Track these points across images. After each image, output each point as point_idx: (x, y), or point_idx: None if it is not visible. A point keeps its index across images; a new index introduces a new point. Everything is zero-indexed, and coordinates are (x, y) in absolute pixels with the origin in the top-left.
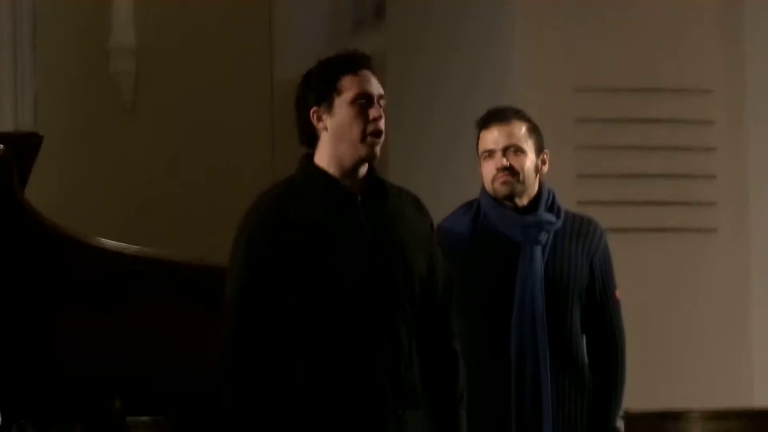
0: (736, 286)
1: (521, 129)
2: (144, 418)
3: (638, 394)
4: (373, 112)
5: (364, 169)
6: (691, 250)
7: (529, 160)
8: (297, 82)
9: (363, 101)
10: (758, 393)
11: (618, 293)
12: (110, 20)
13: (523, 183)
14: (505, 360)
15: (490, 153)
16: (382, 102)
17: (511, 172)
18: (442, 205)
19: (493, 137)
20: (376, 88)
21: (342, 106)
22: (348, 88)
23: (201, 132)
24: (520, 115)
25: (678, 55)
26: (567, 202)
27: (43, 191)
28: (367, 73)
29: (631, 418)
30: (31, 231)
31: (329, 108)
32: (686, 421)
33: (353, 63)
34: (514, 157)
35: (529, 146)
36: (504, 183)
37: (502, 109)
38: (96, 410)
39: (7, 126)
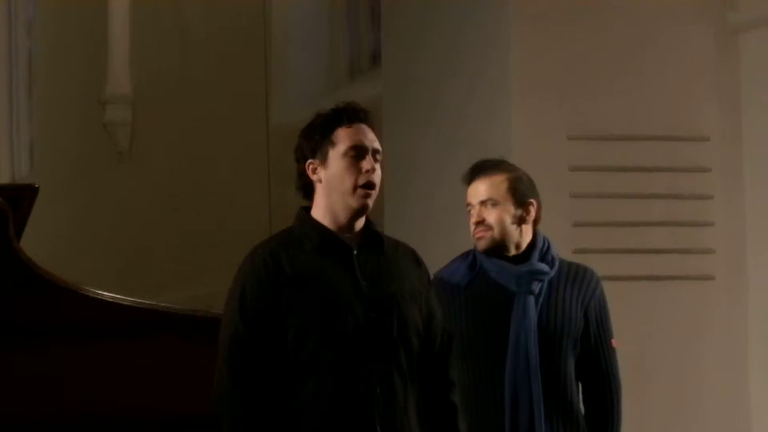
0: (734, 334)
1: (500, 182)
2: None
3: None
4: (365, 164)
5: (360, 222)
6: (688, 297)
7: (507, 212)
8: (293, 128)
9: (355, 153)
10: None
11: (614, 342)
12: (106, 70)
13: (500, 236)
14: (499, 408)
15: (470, 207)
16: (378, 156)
17: (487, 226)
18: (435, 250)
19: (472, 191)
20: (370, 141)
21: (336, 158)
22: (342, 141)
23: (197, 178)
24: (501, 167)
25: (674, 103)
26: (562, 250)
27: (40, 239)
28: (362, 126)
29: None
30: (26, 281)
31: (324, 160)
32: None
33: (348, 116)
34: (490, 210)
35: (507, 198)
36: (479, 238)
37: (482, 162)
38: None
39: (4, 174)
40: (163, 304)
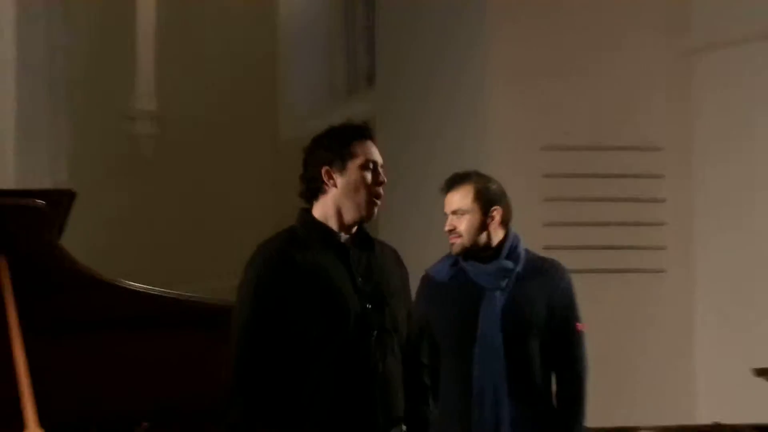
0: (683, 321)
1: (467, 193)
2: None
3: (597, 414)
4: (379, 178)
5: (357, 225)
6: (642, 288)
7: (474, 219)
8: (298, 141)
9: (372, 167)
10: (699, 413)
11: (580, 326)
12: (134, 89)
13: (469, 242)
14: (469, 388)
15: (447, 216)
16: (382, 170)
17: (457, 233)
18: (427, 254)
19: (446, 202)
20: (378, 156)
21: (354, 168)
22: (360, 154)
23: (213, 185)
24: (469, 180)
25: (632, 118)
26: (534, 247)
27: (77, 238)
28: (372, 143)
29: None
30: (65, 273)
31: (342, 168)
32: None
33: (363, 132)
34: (460, 219)
35: (473, 208)
36: (452, 244)
37: (454, 176)
38: (125, 429)
39: (45, 181)
40: (186, 294)
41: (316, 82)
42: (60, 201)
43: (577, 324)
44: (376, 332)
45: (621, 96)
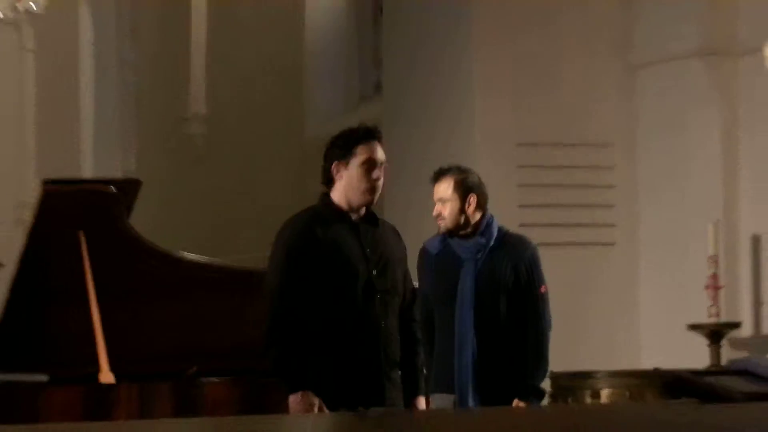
0: (629, 284)
1: (448, 184)
2: (213, 379)
3: (560, 362)
4: (375, 173)
5: (364, 207)
6: (598, 257)
7: (454, 206)
8: (320, 139)
9: (368, 165)
10: (643, 360)
11: (543, 288)
12: (188, 96)
13: (451, 224)
14: (452, 333)
15: (435, 202)
16: (383, 165)
17: (442, 217)
18: (424, 231)
19: (434, 191)
20: (380, 155)
21: (355, 165)
22: (361, 154)
23: (251, 175)
24: (450, 172)
25: (589, 120)
26: (511, 225)
27: (143, 218)
28: (376, 143)
29: (555, 376)
30: (134, 247)
31: (346, 164)
32: (594, 378)
33: (367, 135)
34: (444, 205)
35: (454, 197)
36: (438, 225)
37: (439, 170)
38: (178, 374)
39: (116, 172)
40: (227, 263)
41: (335, 90)
42: (129, 188)
43: (541, 286)
44: (379, 295)
45: (580, 102)
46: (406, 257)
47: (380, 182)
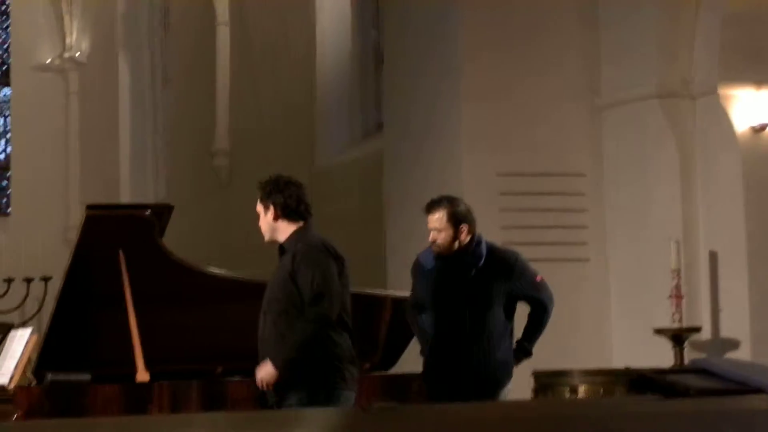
0: (602, 295)
1: (442, 216)
2: (235, 378)
3: (542, 361)
4: None
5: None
6: (572, 272)
7: (447, 235)
8: (328, 170)
9: None
10: (615, 361)
11: (539, 277)
12: (214, 132)
13: (444, 249)
14: (451, 334)
15: (430, 230)
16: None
17: (436, 244)
18: (423, 247)
19: (429, 220)
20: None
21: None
22: None
23: None
24: (444, 204)
25: (563, 154)
26: (496, 241)
27: (174, 238)
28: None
29: (538, 375)
30: (167, 263)
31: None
32: (571, 376)
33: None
34: (438, 234)
35: (446, 226)
36: (434, 250)
37: (432, 201)
38: (205, 373)
39: (149, 198)
40: (246, 276)
41: (341, 127)
42: (162, 212)
43: (536, 277)
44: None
45: (554, 138)
46: (291, 267)
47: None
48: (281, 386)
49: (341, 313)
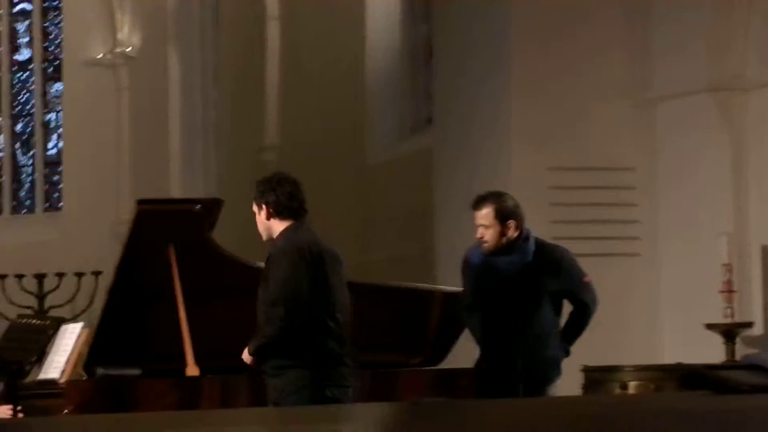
0: (653, 289)
1: (489, 212)
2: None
3: (593, 357)
4: None
5: None
6: (624, 266)
7: (495, 231)
8: (379, 166)
9: None
10: (665, 357)
11: (586, 278)
12: (264, 127)
13: (492, 246)
14: (500, 332)
15: (477, 226)
16: None
17: (484, 240)
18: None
19: (475, 217)
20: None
21: None
22: None
23: (317, 198)
24: (491, 200)
25: (614, 147)
26: (545, 236)
27: (224, 233)
28: None
29: (588, 370)
30: (216, 257)
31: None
32: (622, 372)
33: None
34: (485, 230)
35: (494, 222)
36: (481, 246)
37: (477, 198)
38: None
39: (199, 193)
40: None
41: (392, 122)
42: (212, 206)
43: (584, 277)
44: None
45: (605, 132)
46: (266, 268)
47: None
48: (275, 391)
49: (324, 315)
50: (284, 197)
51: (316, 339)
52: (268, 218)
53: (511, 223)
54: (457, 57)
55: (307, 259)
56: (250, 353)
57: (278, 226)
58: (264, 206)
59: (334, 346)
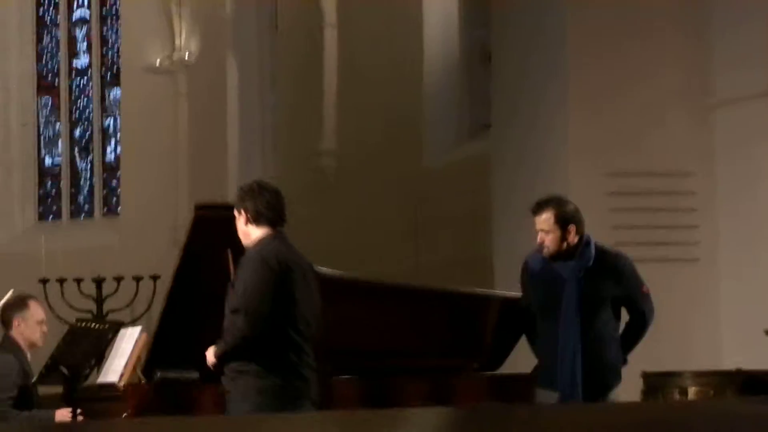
0: (712, 295)
1: (550, 217)
2: (343, 377)
3: (652, 362)
4: None
5: None
6: (683, 271)
7: (556, 236)
8: (437, 169)
9: None
10: (725, 362)
11: (645, 289)
12: (321, 132)
13: (553, 251)
14: (556, 344)
15: (537, 231)
16: None
17: (545, 246)
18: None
19: (535, 222)
20: None
21: None
22: None
23: (376, 201)
24: (551, 205)
25: (672, 152)
26: (604, 242)
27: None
28: None
29: (647, 375)
30: None
31: None
32: (682, 378)
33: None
34: (545, 236)
35: (554, 228)
36: (542, 251)
37: (537, 203)
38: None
39: None
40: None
41: (449, 126)
42: None
43: (642, 289)
44: None
45: (664, 137)
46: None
47: None
48: (227, 394)
49: (287, 327)
50: (262, 205)
51: (274, 350)
52: (245, 224)
53: (572, 228)
54: (515, 62)
55: (275, 270)
56: (215, 357)
57: (255, 232)
58: (243, 212)
59: (293, 359)
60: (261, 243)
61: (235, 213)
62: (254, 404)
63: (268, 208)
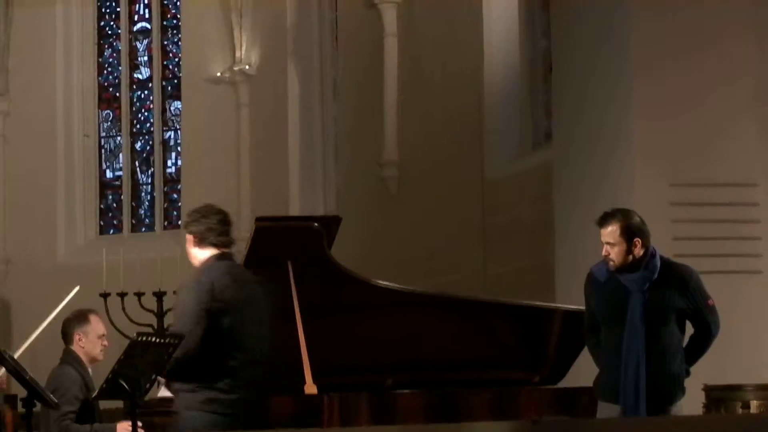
0: None
1: (615, 230)
2: (406, 391)
3: (714, 375)
4: None
5: None
6: (745, 284)
7: (621, 249)
8: (499, 181)
9: None
10: None
11: (711, 302)
12: (383, 144)
13: (619, 264)
14: (620, 354)
15: (602, 243)
16: None
17: (610, 258)
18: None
19: (602, 234)
20: None
21: None
22: None
23: (438, 213)
24: (617, 218)
25: (735, 163)
26: (667, 253)
27: (343, 250)
28: None
29: (709, 389)
30: (334, 274)
31: None
32: (744, 391)
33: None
34: (611, 248)
35: (620, 240)
36: (607, 263)
37: (605, 214)
38: (375, 385)
39: (319, 210)
40: (413, 287)
41: (511, 138)
42: (330, 224)
43: (708, 302)
44: None
45: (728, 147)
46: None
47: None
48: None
49: (220, 354)
50: (206, 229)
51: (205, 377)
52: (192, 246)
53: (638, 240)
54: (577, 73)
55: (211, 296)
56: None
57: (201, 255)
58: (189, 235)
59: (223, 386)
60: (205, 266)
61: (186, 235)
62: (191, 419)
63: (211, 231)
